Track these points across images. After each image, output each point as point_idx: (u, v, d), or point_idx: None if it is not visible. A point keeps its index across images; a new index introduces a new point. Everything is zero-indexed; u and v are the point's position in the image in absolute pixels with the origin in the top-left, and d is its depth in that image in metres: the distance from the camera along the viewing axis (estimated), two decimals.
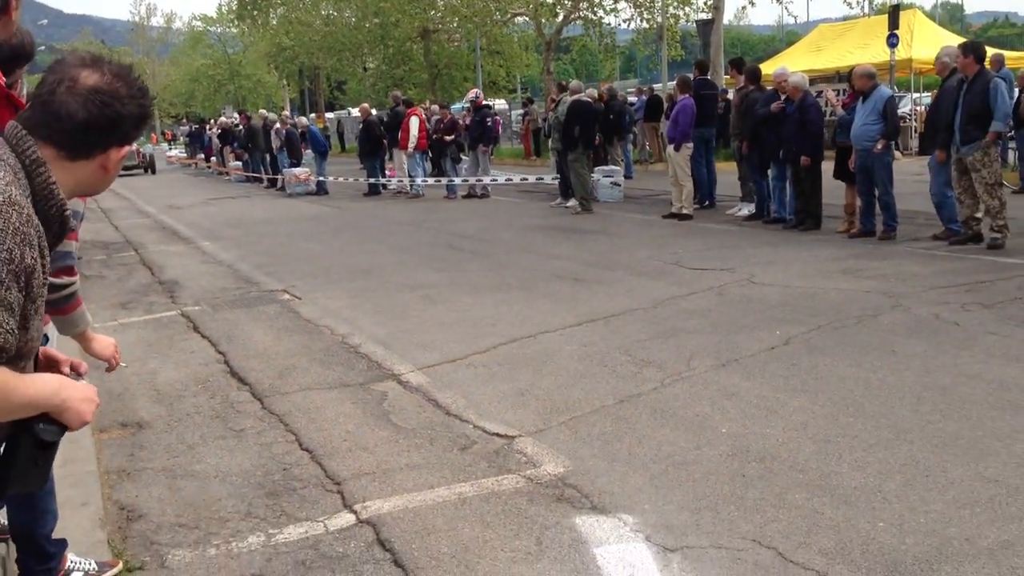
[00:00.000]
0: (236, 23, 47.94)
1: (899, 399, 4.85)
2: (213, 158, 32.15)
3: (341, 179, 21.80)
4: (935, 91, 9.82)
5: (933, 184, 9.65)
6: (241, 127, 27.03)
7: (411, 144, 18.39)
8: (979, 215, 9.19)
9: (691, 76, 14.04)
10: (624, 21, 30.95)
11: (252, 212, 17.82)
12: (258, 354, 6.58)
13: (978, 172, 8.90)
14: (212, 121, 37.10)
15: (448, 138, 18.26)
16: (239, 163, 27.18)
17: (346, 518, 3.83)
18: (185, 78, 65.08)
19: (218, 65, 61.07)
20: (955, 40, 27.35)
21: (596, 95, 16.85)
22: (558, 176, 15.91)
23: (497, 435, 4.69)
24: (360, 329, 7.13)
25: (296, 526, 3.79)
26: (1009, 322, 6.19)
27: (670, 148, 12.82)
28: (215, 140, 31.14)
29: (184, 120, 61.04)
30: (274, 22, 43.99)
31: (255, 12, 44.17)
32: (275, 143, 22.86)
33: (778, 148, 11.17)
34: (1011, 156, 14.94)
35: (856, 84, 10.31)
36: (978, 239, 9.11)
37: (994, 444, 4.15)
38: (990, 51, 14.96)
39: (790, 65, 24.29)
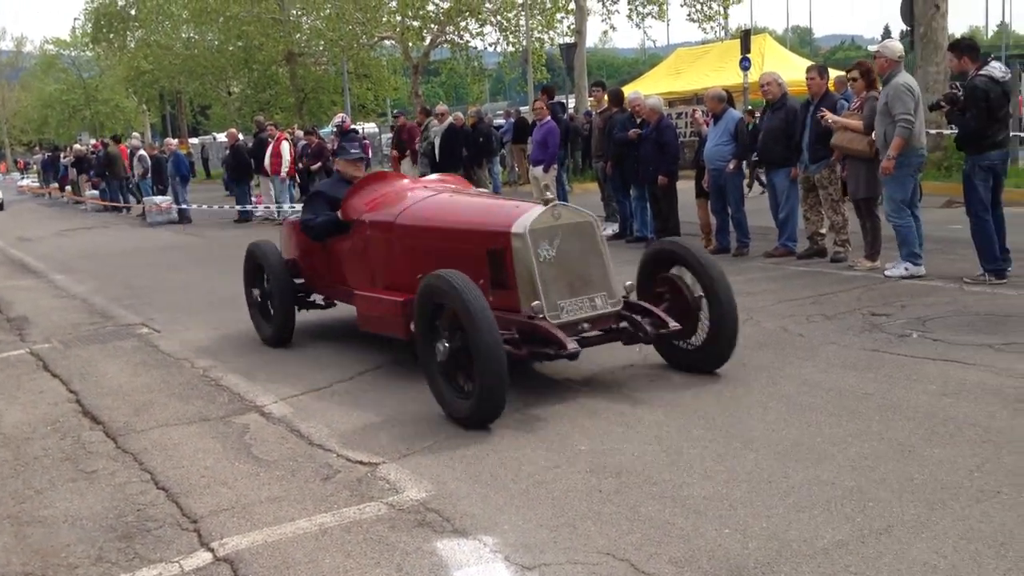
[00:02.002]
0: (91, 46, 46.28)
1: (747, 410, 5.09)
2: (68, 187, 30.88)
3: (205, 207, 21.28)
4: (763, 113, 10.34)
5: (772, 201, 10.15)
6: (96, 154, 26.08)
7: (284, 169, 18.15)
8: (823, 231, 9.70)
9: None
10: (490, 45, 31.44)
11: (109, 243, 17.21)
12: (113, 391, 6.37)
13: (825, 189, 9.40)
14: (67, 148, 35.63)
15: (315, 166, 18.07)
16: (95, 192, 26.19)
17: (203, 557, 3.76)
18: (37, 104, 62.30)
19: (73, 90, 58.68)
20: (804, 62, 28.82)
21: (461, 119, 17.02)
22: None
23: (360, 463, 4.68)
24: (222, 361, 6.99)
25: (149, 568, 3.69)
26: (848, 332, 6.57)
27: (537, 169, 13.05)
28: (70, 169, 29.93)
29: (37, 148, 58.39)
30: (132, 45, 42.60)
31: (111, 35, 42.72)
32: (138, 170, 22.13)
33: (637, 169, 11.53)
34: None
35: (708, 106, 10.78)
36: (823, 254, 9.61)
37: (831, 449, 4.40)
38: (835, 73, 15.85)
39: (651, 87, 25.21)
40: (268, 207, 19.04)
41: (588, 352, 6.45)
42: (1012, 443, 4.30)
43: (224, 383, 6.36)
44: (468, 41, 31.00)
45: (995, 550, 3.32)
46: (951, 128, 10.97)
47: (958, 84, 8.16)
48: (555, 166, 13.18)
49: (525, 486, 4.26)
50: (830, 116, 8.92)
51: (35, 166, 46.47)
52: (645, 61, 55.74)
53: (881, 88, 8.45)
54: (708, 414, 5.07)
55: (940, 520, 3.58)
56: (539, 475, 4.38)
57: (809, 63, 17.64)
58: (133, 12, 41.49)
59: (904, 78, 8.22)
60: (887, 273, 8.38)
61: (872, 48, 11.42)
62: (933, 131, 13.74)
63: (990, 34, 62.97)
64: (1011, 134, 9.08)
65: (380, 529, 3.90)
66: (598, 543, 3.64)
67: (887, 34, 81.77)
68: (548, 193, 5.76)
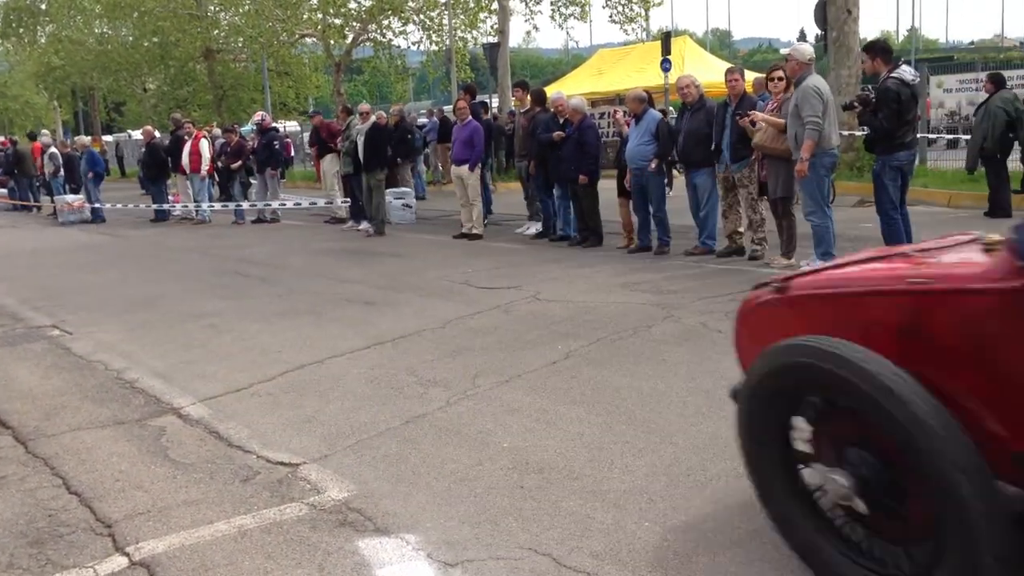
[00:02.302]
0: (0, 41, 44.68)
1: (667, 405, 5.18)
2: None
3: (120, 205, 20.74)
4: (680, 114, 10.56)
5: (693, 201, 10.33)
6: (4, 152, 25.21)
7: (204, 167, 17.83)
8: (741, 230, 9.91)
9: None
10: (413, 43, 31.30)
11: (19, 243, 16.66)
12: (22, 395, 6.17)
13: (745, 188, 9.61)
14: None
15: (235, 165, 17.78)
16: (3, 190, 25.32)
17: (118, 561, 3.67)
18: None
19: None
20: (723, 64, 29.37)
21: (384, 117, 16.91)
22: (347, 200, 15.87)
23: (281, 464, 4.63)
24: (138, 363, 6.83)
25: (63, 574, 3.59)
26: None
27: (462, 169, 13.04)
28: None
29: None
30: (42, 40, 41.25)
31: (20, 30, 41.28)
32: (49, 168, 21.45)
33: (559, 168, 11.61)
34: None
35: (629, 107, 10.93)
36: (740, 252, 9.82)
37: None
38: (753, 75, 16.22)
39: (574, 87, 25.41)
40: (186, 206, 18.67)
41: (511, 350, 6.52)
42: None
43: (140, 385, 6.22)
44: (391, 40, 30.80)
45: None
46: (862, 129, 11.32)
47: (870, 87, 8.43)
48: (479, 166, 13.20)
49: (447, 484, 4.26)
50: (758, 115, 9.09)
51: None
52: (568, 61, 56.08)
53: (793, 90, 8.67)
54: (629, 410, 5.14)
55: None
56: (461, 473, 4.38)
57: (728, 65, 18.00)
58: (43, 7, 40.12)
59: (814, 80, 8.44)
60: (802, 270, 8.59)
61: (784, 51, 11.76)
62: (845, 132, 14.14)
63: (900, 38, 65.01)
64: (918, 135, 9.38)
65: (301, 530, 3.86)
66: (520, 538, 3.66)
67: (802, 37, 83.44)
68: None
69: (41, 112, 55.20)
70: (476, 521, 3.85)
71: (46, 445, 5.11)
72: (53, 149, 21.76)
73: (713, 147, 9.78)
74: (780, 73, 9.23)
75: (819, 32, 18.79)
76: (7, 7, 40.65)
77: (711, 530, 3.61)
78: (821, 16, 17.15)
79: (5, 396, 6.16)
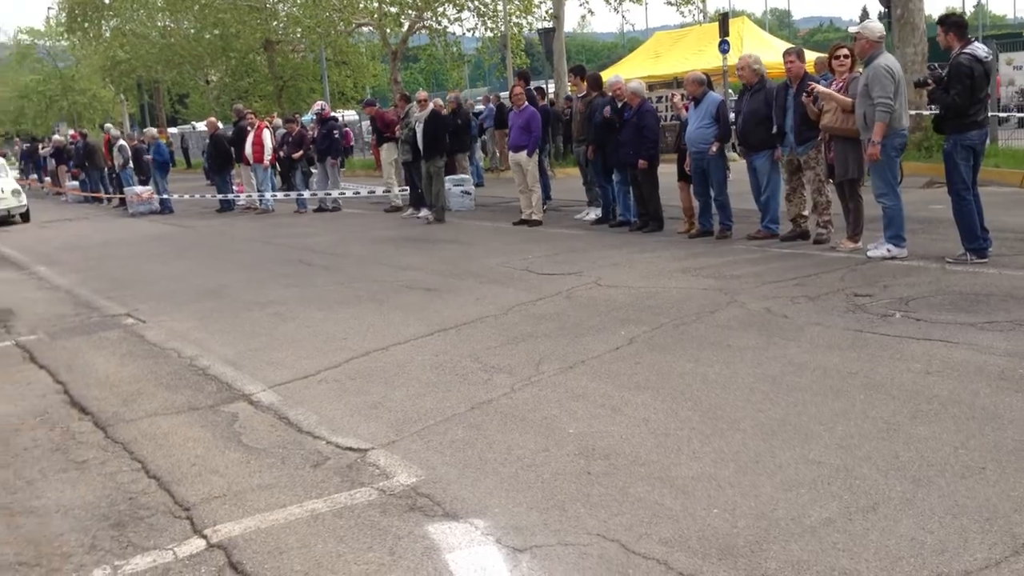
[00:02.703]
0: (66, 36, 45.70)
1: (733, 391, 5.14)
2: (47, 178, 30.60)
3: (187, 196, 21.16)
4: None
5: (754, 185, 10.17)
6: (75, 145, 25.85)
7: (266, 157, 18.11)
8: (805, 213, 9.77)
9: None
10: (469, 30, 31.30)
11: (91, 234, 17.10)
12: (100, 382, 6.36)
13: (812, 170, 9.45)
14: (45, 140, 35.28)
15: (296, 154, 18.01)
16: (76, 183, 25.98)
17: (196, 544, 3.78)
18: (13, 95, 61.58)
19: (49, 80, 58.06)
20: (783, 45, 28.87)
21: (441, 104, 16.99)
22: (406, 188, 15.98)
23: (350, 449, 4.71)
24: (209, 350, 6.99)
25: (143, 556, 3.71)
26: (832, 313, 6.63)
27: (520, 155, 13.04)
28: (49, 159, 29.65)
29: (16, 139, 57.80)
30: (107, 34, 42.14)
31: (86, 24, 42.19)
32: (118, 160, 21.95)
33: (618, 153, 11.54)
34: None
35: (688, 90, 10.81)
36: (805, 236, 9.68)
37: (817, 428, 4.45)
38: (814, 54, 15.90)
39: (630, 71, 25.17)
40: (250, 196, 18.97)
41: (573, 336, 6.53)
42: (995, 420, 4.37)
43: (211, 372, 6.36)
44: (446, 27, 30.85)
45: (980, 525, 3.38)
46: (930, 108, 11.05)
47: (936, 65, 8.22)
48: (537, 151, 13.20)
49: (514, 469, 4.29)
50: (821, 88, 8.92)
51: (12, 157, 45.96)
52: (624, 45, 55.66)
53: (862, 69, 8.49)
54: (695, 395, 5.11)
55: (926, 497, 3.64)
56: (528, 458, 4.41)
57: (788, 45, 17.71)
58: (107, 1, 41.02)
59: (885, 59, 8.24)
60: (869, 254, 8.45)
61: (852, 30, 11.41)
62: (913, 112, 13.81)
63: (967, 14, 63.26)
64: (988, 114, 9.12)
65: (371, 514, 3.92)
66: (588, 524, 3.68)
67: (865, 16, 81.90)
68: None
69: (108, 105, 56.49)
70: (544, 507, 3.87)
71: (125, 430, 5.27)
72: (122, 142, 22.26)
73: (775, 129, 9.62)
74: (844, 51, 9.03)
75: (882, 10, 18.33)
76: (72, 2, 41.60)
77: (782, 517, 3.58)
78: None
79: (84, 383, 6.36)
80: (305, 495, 4.17)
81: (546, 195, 14.70)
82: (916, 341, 5.74)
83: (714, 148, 10.28)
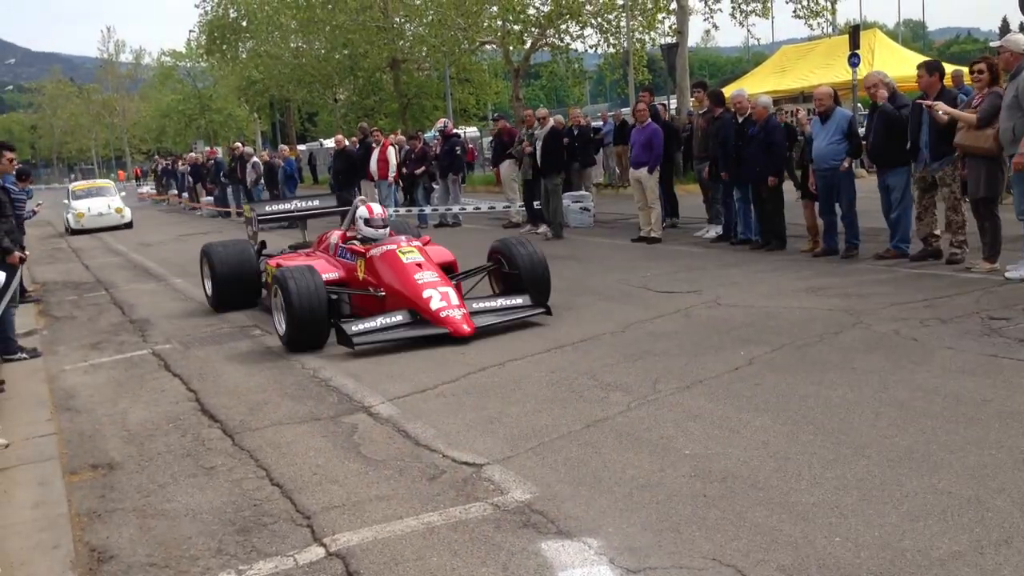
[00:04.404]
0: (205, 57, 48.01)
1: (857, 415, 4.97)
2: (185, 194, 32.13)
3: None
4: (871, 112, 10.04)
5: (885, 203, 9.81)
6: (212, 161, 27.11)
7: (391, 173, 18.56)
8: (937, 232, 9.38)
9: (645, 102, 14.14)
10: (591, 47, 31.32)
11: None
12: (229, 391, 6.62)
13: (948, 187, 9.07)
14: (184, 157, 37.06)
15: (418, 171, 18.38)
16: (210, 198, 27.18)
17: (316, 552, 3.88)
18: (155, 114, 64.96)
19: (188, 100, 60.99)
20: (917, 58, 27.84)
21: (562, 121, 17.06)
22: (523, 205, 16.09)
23: (465, 464, 4.76)
24: (331, 362, 7.19)
25: (266, 561, 3.84)
26: (965, 336, 6.33)
27: (640, 172, 12.95)
28: (187, 176, 31.17)
29: (156, 157, 61.04)
30: (243, 56, 44.09)
31: (224, 46, 44.28)
32: (251, 176, 22.86)
33: (742, 170, 11.32)
34: None
35: (816, 105, 10.54)
36: (937, 255, 9.29)
37: (947, 457, 4.26)
38: (950, 68, 15.30)
39: (755, 86, 24.75)
40: None
41: (691, 355, 6.43)
42: None
43: (333, 384, 6.54)
44: (568, 44, 30.98)
45: None
46: None
47: None
48: (658, 168, 13.09)
49: (629, 489, 4.26)
50: (941, 106, 8.61)
51: (151, 175, 48.36)
52: (749, 59, 54.66)
53: (1008, 83, 8.11)
54: (816, 419, 4.97)
55: None
56: (643, 478, 4.37)
57: (921, 58, 17.08)
58: (244, 24, 42.94)
59: None
60: (1008, 275, 8.05)
61: (994, 44, 10.88)
62: None
63: None
64: None
65: (486, 529, 3.95)
66: (704, 548, 3.62)
67: (1005, 26, 78.12)
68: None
69: (242, 124, 58.96)
70: (658, 528, 3.82)
71: (251, 438, 5.47)
72: (255, 159, 23.18)
73: (909, 146, 9.27)
74: (980, 66, 8.67)
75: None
76: (211, 25, 43.67)
77: (908, 548, 3.44)
78: None
79: (214, 391, 6.63)
80: (421, 508, 4.23)
81: (673, 213, 14.61)
82: None
83: (846, 164, 10.00)
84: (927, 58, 17.04)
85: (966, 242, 9.07)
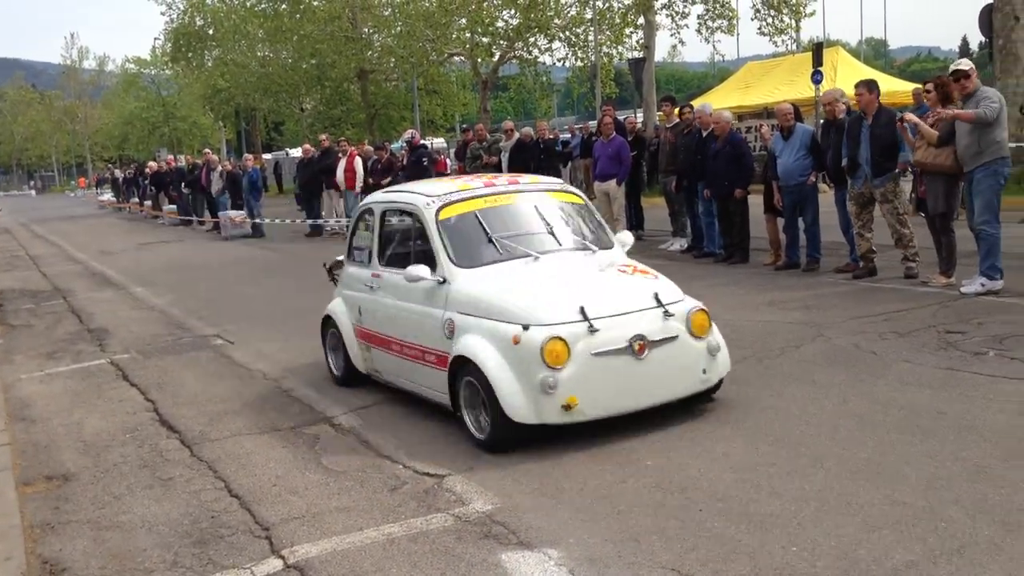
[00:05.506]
0: (170, 65, 47.63)
1: (816, 428, 5.02)
2: (147, 202, 31.80)
3: (278, 220, 21.69)
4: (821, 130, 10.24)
5: (843, 218, 9.96)
6: (175, 169, 26.89)
7: (359, 183, 18.50)
8: (875, 248, 9.49)
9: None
10: (559, 60, 31.49)
11: (186, 256, 17.67)
12: (188, 401, 6.55)
13: (891, 203, 9.21)
14: (147, 165, 36.71)
15: (384, 182, 18.32)
16: (173, 207, 26.94)
17: (273, 564, 3.85)
18: (118, 121, 64.33)
19: (152, 107, 60.49)
20: (877, 75, 28.21)
21: (530, 134, 17.12)
22: None
23: (427, 475, 4.74)
24: (294, 372, 7.14)
25: (222, 574, 3.80)
26: (923, 350, 6.42)
27: (609, 184, 13.00)
28: (148, 185, 30.85)
29: (117, 163, 60.35)
30: (209, 64, 43.78)
31: (189, 54, 43.96)
32: (217, 185, 22.69)
33: (709, 183, 11.40)
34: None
35: (779, 122, 10.67)
36: (873, 273, 9.40)
37: (903, 468, 4.31)
38: (913, 85, 15.55)
39: (720, 101, 24.99)
40: (339, 221, 19.34)
41: None
42: None
43: (295, 394, 6.49)
44: (537, 57, 31.13)
45: None
46: None
47: None
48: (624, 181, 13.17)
49: (590, 500, 4.26)
50: (909, 116, 8.77)
51: (107, 183, 47.68)
52: (715, 75, 55.23)
53: (965, 103, 8.26)
54: (776, 431, 5.01)
55: (1015, 542, 3.49)
56: (604, 489, 4.38)
57: (883, 76, 17.35)
58: (211, 32, 42.67)
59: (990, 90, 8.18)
60: (963, 290, 8.18)
61: (959, 66, 10.95)
62: (1013, 144, 13.38)
63: None
64: None
65: (447, 540, 3.94)
66: (663, 558, 3.63)
67: (965, 45, 79.82)
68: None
69: (207, 132, 58.52)
70: (618, 539, 3.83)
71: (210, 449, 5.41)
72: (219, 167, 23.01)
73: (845, 162, 9.42)
74: (930, 86, 8.91)
75: (983, 39, 17.84)
76: (177, 33, 43.36)
77: (863, 558, 3.48)
78: (987, 23, 16.25)
79: (173, 402, 6.56)
80: (382, 519, 4.21)
81: (639, 225, 14.68)
82: (1010, 381, 5.52)
83: (812, 179, 10.13)
84: (890, 76, 17.35)
85: (918, 255, 9.20)
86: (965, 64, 8.46)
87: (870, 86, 9.40)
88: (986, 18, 16.19)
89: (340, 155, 18.88)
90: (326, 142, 20.74)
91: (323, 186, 19.71)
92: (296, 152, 30.50)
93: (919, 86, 14.25)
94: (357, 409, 5.99)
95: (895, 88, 24.02)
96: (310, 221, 19.86)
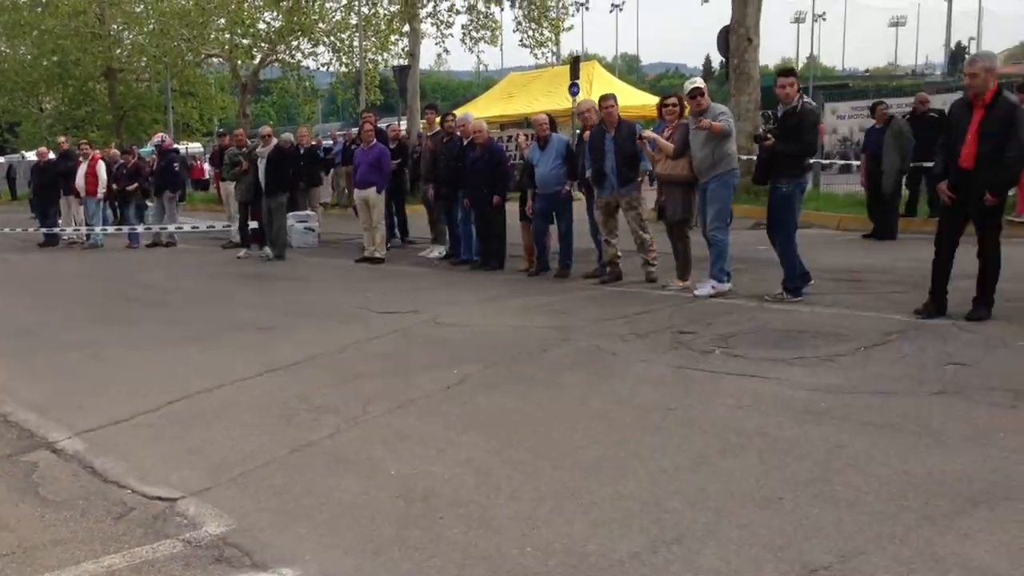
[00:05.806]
0: None
1: (557, 428, 5.17)
2: None
3: (7, 229, 19.95)
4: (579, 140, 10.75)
5: (593, 225, 10.45)
6: None
7: (101, 189, 17.31)
8: (620, 254, 10.01)
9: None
10: (323, 65, 31.05)
11: None
12: None
13: (635, 210, 9.75)
14: None
15: (131, 187, 17.32)
16: None
17: None
18: None
19: None
20: (631, 89, 29.77)
21: (290, 140, 16.69)
22: (254, 224, 15.59)
23: (158, 499, 4.46)
24: (12, 394, 6.53)
25: None
26: (658, 349, 6.80)
27: (369, 192, 12.89)
28: None
29: None
30: None
31: None
32: None
33: (467, 191, 11.56)
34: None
35: (536, 131, 11.01)
36: (619, 278, 9.91)
37: (633, 463, 4.52)
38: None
39: (483, 110, 25.50)
40: (76, 230, 18.05)
41: (405, 375, 6.46)
42: (795, 451, 4.55)
43: (13, 418, 5.94)
44: (300, 61, 30.54)
45: (774, 553, 3.49)
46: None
47: (770, 113, 8.71)
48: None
49: (332, 514, 4.17)
50: (648, 133, 9.32)
51: None
52: (480, 84, 56.37)
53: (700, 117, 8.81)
54: (520, 434, 5.12)
55: (727, 528, 3.74)
56: (347, 502, 4.30)
57: (634, 90, 18.31)
58: None
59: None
60: (696, 293, 8.75)
61: (691, 85, 11.64)
62: (744, 157, 14.47)
63: (800, 66, 67.09)
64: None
65: (174, 568, 3.72)
66: (403, 568, 3.60)
67: (708, 63, 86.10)
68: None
69: None
70: (359, 551, 3.77)
71: None
72: None
73: (590, 172, 9.90)
74: (673, 100, 9.49)
75: (722, 59, 19.22)
76: None
77: (592, 553, 3.60)
78: (723, 44, 17.53)
79: None
80: (103, 550, 3.91)
81: (392, 233, 14.64)
82: (731, 376, 5.95)
83: (567, 189, 10.50)
84: (641, 90, 18.33)
85: (657, 258, 9.78)
86: (700, 82, 9.12)
87: (615, 99, 9.96)
88: (723, 39, 17.48)
89: (81, 159, 17.61)
90: (65, 144, 19.38)
91: (61, 192, 18.31)
92: (33, 155, 28.21)
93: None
94: (83, 432, 5.56)
95: (646, 101, 25.46)
96: (44, 230, 18.40)
